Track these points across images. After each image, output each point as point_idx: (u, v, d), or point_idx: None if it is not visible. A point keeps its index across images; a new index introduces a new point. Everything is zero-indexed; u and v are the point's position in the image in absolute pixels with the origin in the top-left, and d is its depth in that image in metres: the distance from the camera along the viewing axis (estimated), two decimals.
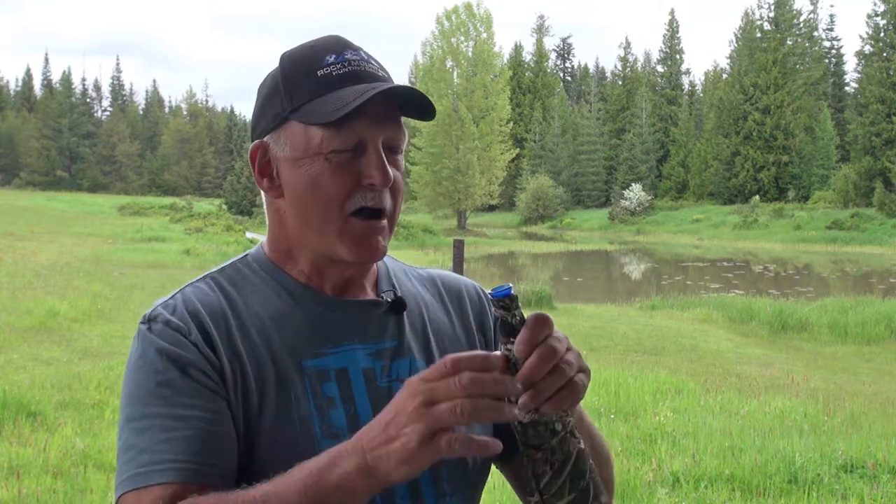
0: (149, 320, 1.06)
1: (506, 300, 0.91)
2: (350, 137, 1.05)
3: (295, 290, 1.12)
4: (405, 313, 1.15)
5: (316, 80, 1.07)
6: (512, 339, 0.91)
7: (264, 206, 1.17)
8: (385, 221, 1.09)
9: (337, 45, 1.10)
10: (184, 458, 0.98)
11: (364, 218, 1.07)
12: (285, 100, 1.09)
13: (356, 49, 1.11)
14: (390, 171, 1.07)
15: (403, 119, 1.10)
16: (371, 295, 1.16)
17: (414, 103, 1.09)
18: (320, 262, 1.12)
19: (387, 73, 1.12)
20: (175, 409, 1.00)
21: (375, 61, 1.11)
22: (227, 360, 1.04)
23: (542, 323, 0.90)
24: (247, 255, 1.17)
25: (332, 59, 1.08)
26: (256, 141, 1.13)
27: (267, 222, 1.17)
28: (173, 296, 1.09)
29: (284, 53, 1.13)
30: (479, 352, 0.88)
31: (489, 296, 0.95)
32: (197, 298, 1.08)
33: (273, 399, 1.04)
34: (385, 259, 1.21)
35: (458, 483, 1.12)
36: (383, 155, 1.07)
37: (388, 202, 1.08)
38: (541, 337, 0.89)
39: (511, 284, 0.92)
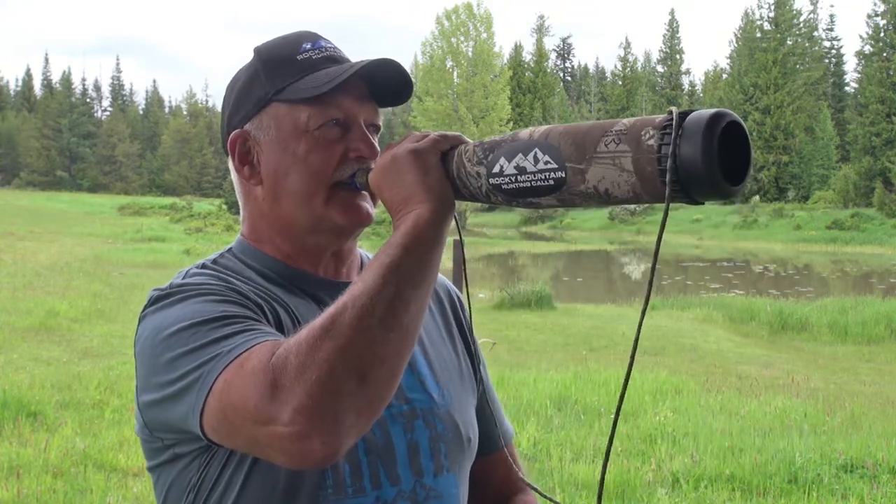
0: (176, 287, 1.05)
1: None
2: (336, 113, 1.08)
3: (289, 275, 1.13)
4: None
5: (297, 64, 1.10)
6: None
7: (240, 199, 1.17)
8: (367, 194, 1.12)
9: (311, 35, 1.14)
10: (273, 336, 0.96)
11: (349, 187, 1.10)
12: (267, 84, 1.10)
13: (328, 40, 1.14)
14: (376, 145, 1.11)
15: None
16: None
17: (389, 86, 1.11)
18: (307, 242, 1.13)
19: None
20: (246, 314, 1.00)
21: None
22: (268, 311, 1.05)
23: None
24: (230, 248, 1.17)
25: (308, 45, 1.12)
26: (236, 130, 1.13)
27: (244, 215, 1.17)
28: (184, 278, 1.08)
29: (257, 46, 1.15)
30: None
31: None
32: (208, 277, 1.08)
33: None
34: (366, 252, 1.25)
35: (454, 459, 1.15)
36: (367, 131, 1.11)
37: None
38: None
39: None
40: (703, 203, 0.85)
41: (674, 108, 0.82)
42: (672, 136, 0.81)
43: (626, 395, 0.86)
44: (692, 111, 0.82)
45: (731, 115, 0.81)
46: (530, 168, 0.91)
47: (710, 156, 0.79)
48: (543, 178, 0.90)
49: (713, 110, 0.81)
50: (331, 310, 0.88)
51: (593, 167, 0.86)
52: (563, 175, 0.88)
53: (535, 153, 0.90)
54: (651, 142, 0.82)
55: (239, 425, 0.88)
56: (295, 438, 0.83)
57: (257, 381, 0.85)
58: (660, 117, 0.83)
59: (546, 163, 0.90)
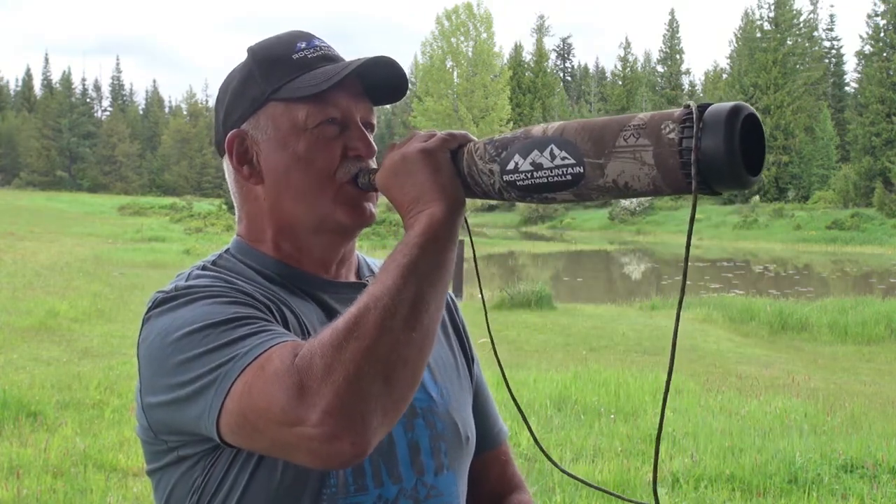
0: (182, 289, 1.04)
1: None
2: (333, 112, 1.08)
3: (290, 275, 1.12)
4: None
5: (293, 63, 1.10)
6: None
7: (237, 199, 1.16)
8: (371, 194, 1.12)
9: (304, 35, 1.14)
10: (289, 337, 0.96)
11: (354, 187, 1.10)
12: (263, 83, 1.10)
13: (321, 39, 1.14)
14: (373, 144, 1.12)
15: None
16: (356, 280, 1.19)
17: (385, 85, 1.12)
18: (309, 242, 1.12)
19: None
20: (257, 315, 0.99)
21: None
22: (275, 311, 1.05)
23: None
24: (227, 249, 1.16)
25: (303, 45, 1.12)
26: (233, 130, 1.12)
27: (241, 215, 1.16)
28: (188, 280, 1.08)
29: (251, 46, 1.14)
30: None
31: None
32: (212, 279, 1.08)
33: None
34: (363, 255, 1.25)
35: (454, 457, 1.15)
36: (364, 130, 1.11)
37: None
38: None
39: None
40: (722, 194, 0.87)
41: (691, 102, 0.84)
42: (693, 130, 0.82)
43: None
44: (709, 104, 0.83)
45: (748, 108, 0.83)
46: (547, 164, 0.92)
47: (731, 148, 0.81)
48: (561, 173, 0.91)
49: (732, 103, 0.83)
50: (353, 310, 0.88)
51: (612, 162, 0.87)
52: (582, 170, 0.90)
53: (552, 149, 0.92)
54: (672, 135, 0.84)
55: (262, 428, 0.88)
56: (324, 439, 0.84)
57: (282, 384, 0.85)
58: (678, 111, 0.85)
59: (563, 158, 0.91)
